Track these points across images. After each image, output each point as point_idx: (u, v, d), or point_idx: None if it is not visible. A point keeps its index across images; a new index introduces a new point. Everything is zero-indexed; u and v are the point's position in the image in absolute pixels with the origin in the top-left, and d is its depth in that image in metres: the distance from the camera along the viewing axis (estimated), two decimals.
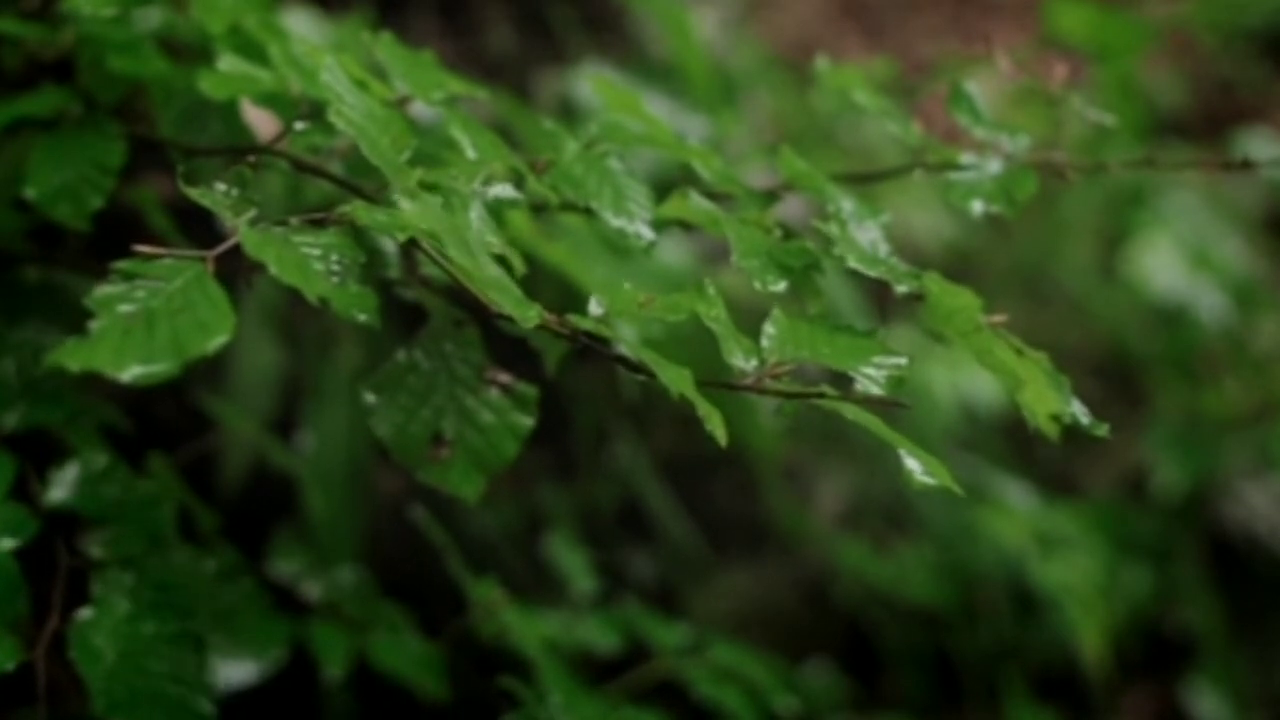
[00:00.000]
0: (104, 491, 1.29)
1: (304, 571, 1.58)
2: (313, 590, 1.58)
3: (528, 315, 1.05)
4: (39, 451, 1.29)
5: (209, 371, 1.70)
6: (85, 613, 1.22)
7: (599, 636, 1.69)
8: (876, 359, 1.11)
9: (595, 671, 1.70)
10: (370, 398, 1.20)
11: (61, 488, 1.28)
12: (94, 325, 0.97)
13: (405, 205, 1.05)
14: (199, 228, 1.42)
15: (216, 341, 0.98)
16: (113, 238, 1.21)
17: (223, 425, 1.67)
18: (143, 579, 1.25)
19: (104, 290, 0.99)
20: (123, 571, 1.25)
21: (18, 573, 1.20)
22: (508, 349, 1.26)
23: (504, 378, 1.22)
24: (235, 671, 1.45)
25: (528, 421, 1.22)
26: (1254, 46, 3.22)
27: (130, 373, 0.96)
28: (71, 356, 0.96)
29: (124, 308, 0.98)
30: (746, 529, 2.12)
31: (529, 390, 1.22)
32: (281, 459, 1.67)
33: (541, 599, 1.77)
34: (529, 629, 1.57)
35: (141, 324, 0.98)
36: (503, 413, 1.21)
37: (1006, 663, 2.19)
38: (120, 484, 1.30)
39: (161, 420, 1.68)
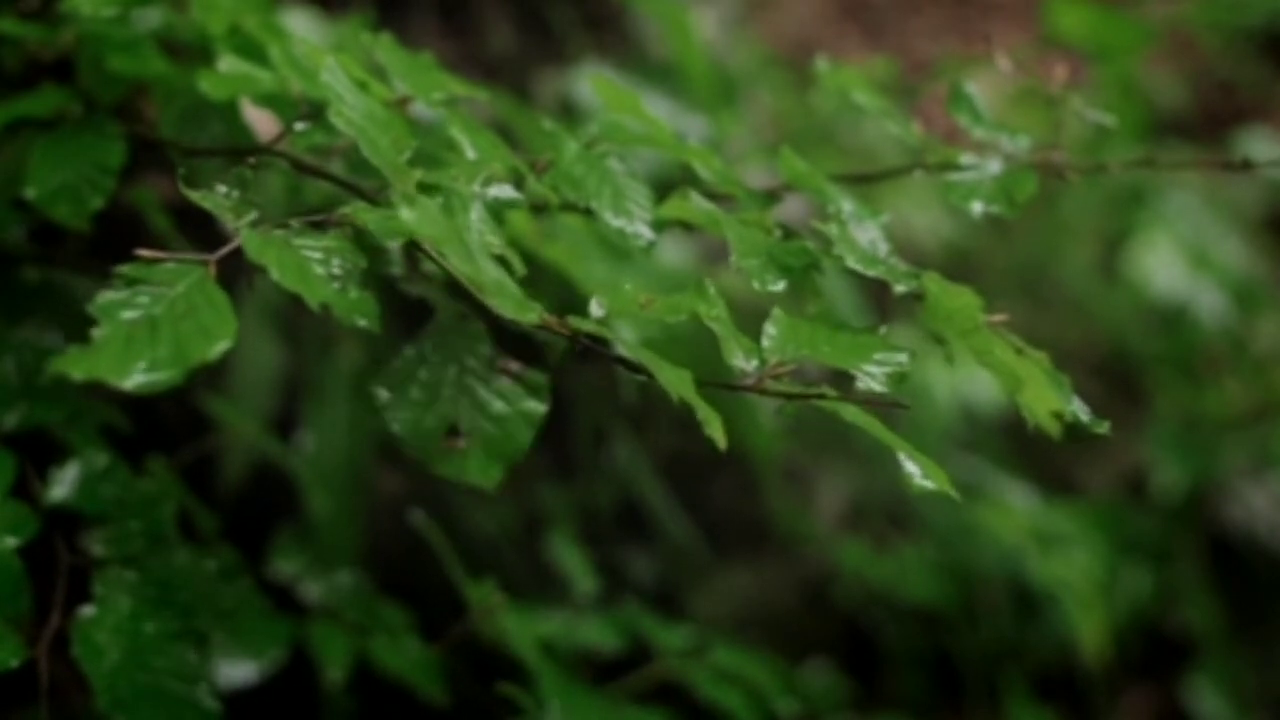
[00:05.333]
0: (104, 490, 1.29)
1: (304, 572, 1.58)
2: (312, 591, 1.57)
3: (528, 318, 1.05)
4: (39, 451, 1.29)
5: (210, 371, 1.70)
6: (88, 610, 1.22)
7: (600, 637, 1.69)
8: (878, 356, 1.10)
9: (596, 672, 1.70)
10: (382, 394, 1.19)
11: (62, 486, 1.28)
12: (97, 332, 0.97)
13: (405, 213, 1.05)
14: (199, 227, 1.42)
15: (219, 348, 0.98)
16: (113, 238, 1.21)
17: (223, 425, 1.67)
18: (144, 577, 1.26)
19: (107, 297, 0.99)
20: (124, 570, 1.25)
21: (21, 570, 1.20)
22: (513, 338, 1.25)
23: (514, 366, 1.21)
24: (235, 672, 1.45)
25: (541, 408, 1.20)
26: (1254, 46, 3.22)
27: (133, 381, 0.96)
28: (75, 365, 0.95)
29: (127, 314, 0.98)
30: (746, 529, 2.12)
31: (539, 377, 1.21)
32: (282, 459, 1.67)
33: (542, 599, 1.77)
34: (527, 634, 1.57)
35: (145, 331, 0.98)
36: (515, 400, 1.20)
37: (1006, 662, 2.19)
38: (121, 483, 1.30)
39: (162, 420, 1.68)
